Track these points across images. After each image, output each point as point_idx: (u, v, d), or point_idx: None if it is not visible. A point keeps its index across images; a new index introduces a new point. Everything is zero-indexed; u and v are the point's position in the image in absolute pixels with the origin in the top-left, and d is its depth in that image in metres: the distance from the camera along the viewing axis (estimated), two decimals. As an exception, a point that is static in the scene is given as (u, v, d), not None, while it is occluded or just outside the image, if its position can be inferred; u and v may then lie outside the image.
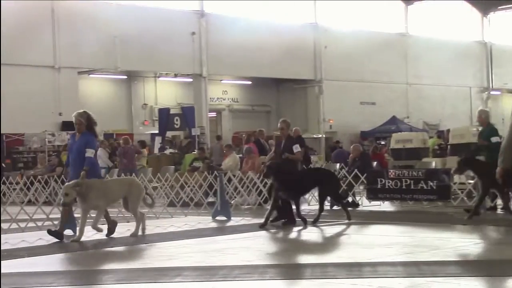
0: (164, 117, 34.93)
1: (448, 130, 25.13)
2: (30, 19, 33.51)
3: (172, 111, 35.83)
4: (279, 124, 15.37)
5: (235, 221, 15.64)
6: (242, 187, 18.89)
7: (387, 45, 46.61)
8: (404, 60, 47.82)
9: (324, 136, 43.90)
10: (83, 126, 12.81)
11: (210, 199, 18.16)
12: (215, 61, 39.49)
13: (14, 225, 14.35)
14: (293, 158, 14.78)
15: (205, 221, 15.52)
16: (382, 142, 36.87)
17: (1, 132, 32.09)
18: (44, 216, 14.66)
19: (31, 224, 14.49)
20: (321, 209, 14.52)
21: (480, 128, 16.75)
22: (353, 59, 44.14)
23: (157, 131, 35.65)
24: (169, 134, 35.58)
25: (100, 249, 11.84)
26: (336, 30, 44.28)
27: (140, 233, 13.04)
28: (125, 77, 40.35)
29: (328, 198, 15.63)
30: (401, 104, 47.39)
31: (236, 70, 41.31)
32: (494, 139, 15.51)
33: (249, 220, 15.77)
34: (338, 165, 20.84)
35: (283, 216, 14.48)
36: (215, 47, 39.40)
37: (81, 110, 13.14)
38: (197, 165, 22.31)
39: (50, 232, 12.68)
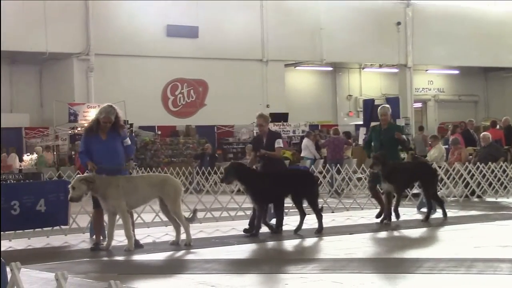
0: (369, 108, 34.84)
1: None
2: (240, 14, 34.61)
3: (376, 102, 35.69)
4: (256, 120, 13.26)
5: (440, 213, 15.40)
6: (448, 178, 18.56)
7: None
8: None
9: (536, 126, 41.97)
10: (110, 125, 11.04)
11: (415, 191, 17.98)
12: (420, 51, 38.92)
13: (224, 214, 14.99)
14: (271, 155, 12.66)
15: (410, 213, 15.40)
16: None
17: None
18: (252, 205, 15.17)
19: (240, 213, 15.06)
20: (303, 213, 12.42)
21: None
22: None
23: (361, 122, 35.69)
24: (373, 125, 35.50)
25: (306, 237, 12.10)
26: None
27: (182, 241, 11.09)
28: (330, 68, 40.71)
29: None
30: None
31: (442, 59, 40.45)
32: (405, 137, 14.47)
33: (455, 212, 15.48)
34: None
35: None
36: (421, 37, 38.82)
37: (107, 105, 11.16)
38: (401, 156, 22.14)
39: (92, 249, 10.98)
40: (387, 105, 14.93)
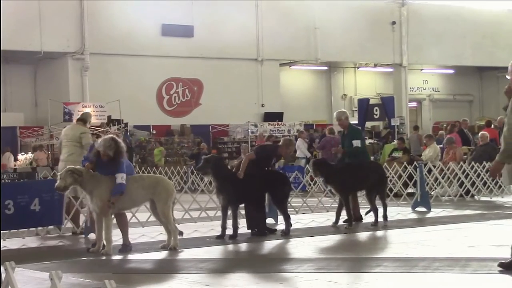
0: (364, 107, 34.97)
1: None
2: (236, 13, 34.59)
3: (371, 102, 35.79)
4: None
5: (435, 212, 15.44)
6: (442, 178, 18.59)
7: None
8: None
9: (531, 126, 42.03)
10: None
11: (410, 190, 18.00)
12: (415, 51, 38.99)
13: (219, 213, 14.92)
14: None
15: (405, 212, 15.41)
16: None
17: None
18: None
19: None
20: (287, 217, 12.12)
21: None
22: None
23: (356, 122, 35.72)
24: (368, 124, 35.61)
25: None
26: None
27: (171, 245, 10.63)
28: (325, 68, 40.74)
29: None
30: None
31: (437, 59, 40.53)
32: (355, 143, 13.63)
33: (449, 212, 15.50)
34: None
35: (254, 225, 12.26)
36: (416, 36, 38.88)
37: (109, 138, 10.52)
38: (396, 156, 22.18)
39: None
40: (345, 110, 14.54)
